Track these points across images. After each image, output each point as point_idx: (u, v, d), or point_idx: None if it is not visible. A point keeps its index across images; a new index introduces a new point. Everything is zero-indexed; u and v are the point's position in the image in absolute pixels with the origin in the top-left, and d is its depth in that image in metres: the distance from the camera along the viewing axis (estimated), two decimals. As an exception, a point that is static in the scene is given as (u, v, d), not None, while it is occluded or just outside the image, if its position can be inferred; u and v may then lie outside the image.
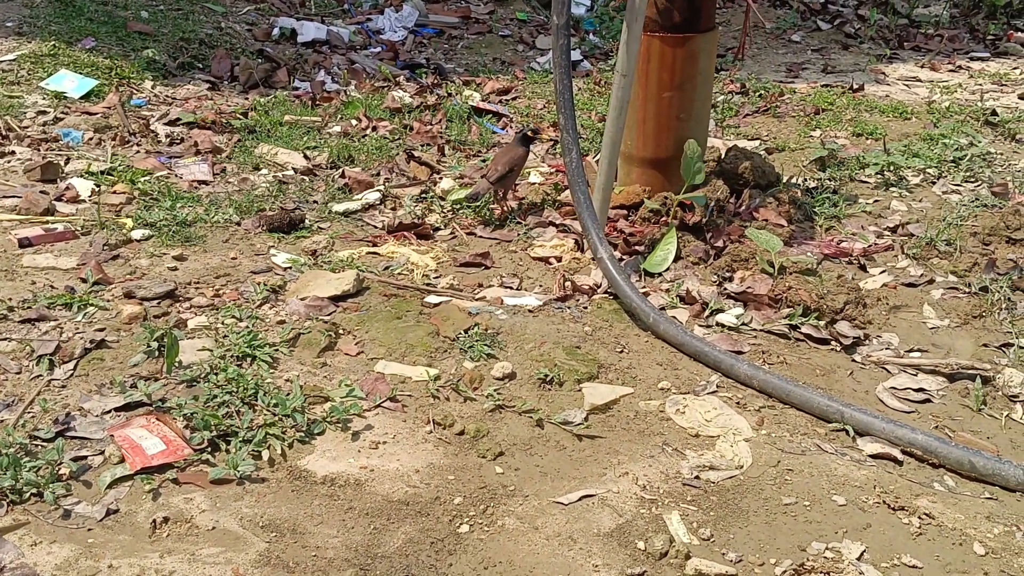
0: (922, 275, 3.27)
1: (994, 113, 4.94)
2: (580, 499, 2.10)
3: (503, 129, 4.74)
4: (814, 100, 5.25)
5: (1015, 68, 6.25)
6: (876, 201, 3.91)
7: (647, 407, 2.46)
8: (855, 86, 5.57)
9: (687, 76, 3.43)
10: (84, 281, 2.89)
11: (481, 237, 3.50)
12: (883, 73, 6.05)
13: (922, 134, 4.65)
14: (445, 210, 3.69)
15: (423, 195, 3.81)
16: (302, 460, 2.17)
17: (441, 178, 3.97)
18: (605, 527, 2.02)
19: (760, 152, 4.30)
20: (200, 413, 2.24)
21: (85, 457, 2.15)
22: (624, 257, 3.32)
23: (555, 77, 3.07)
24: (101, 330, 2.64)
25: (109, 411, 2.31)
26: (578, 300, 3.02)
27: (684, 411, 2.45)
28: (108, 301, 2.81)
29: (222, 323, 2.71)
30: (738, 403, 2.50)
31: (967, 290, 3.16)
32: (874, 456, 2.30)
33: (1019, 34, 7.12)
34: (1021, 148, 4.58)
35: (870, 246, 3.48)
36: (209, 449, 2.18)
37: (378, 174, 4.00)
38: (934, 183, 4.10)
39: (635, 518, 2.05)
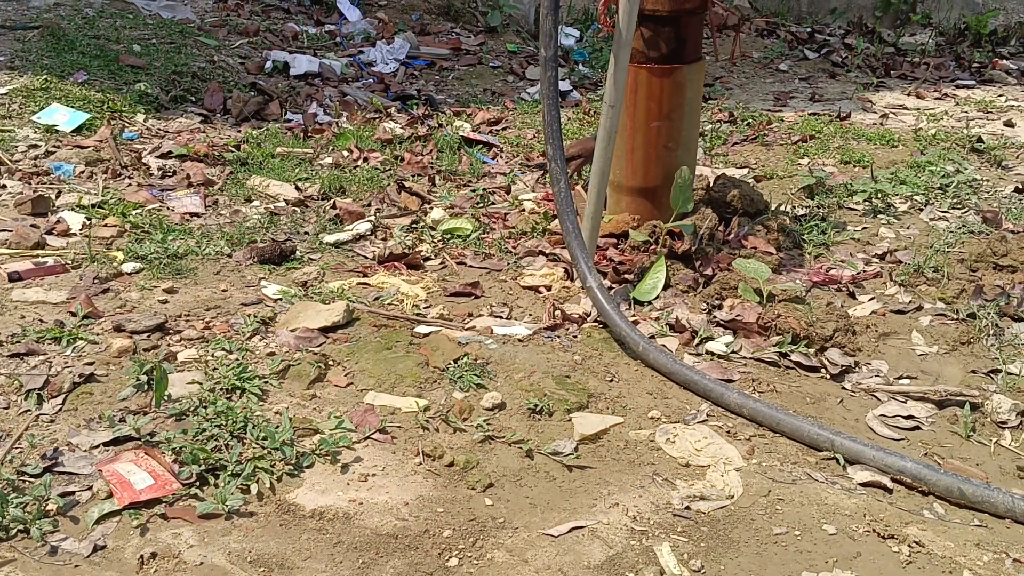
0: (910, 302, 3.28)
1: (980, 140, 4.99)
2: (570, 531, 2.09)
3: (493, 159, 4.77)
4: (802, 128, 5.30)
5: (1000, 95, 6.32)
6: (864, 228, 3.94)
7: (637, 437, 2.46)
8: (842, 114, 5.63)
9: (675, 106, 3.47)
10: (74, 315, 2.88)
11: (471, 267, 3.51)
12: (870, 101, 6.11)
13: (909, 161, 4.69)
14: (436, 240, 3.71)
15: (414, 225, 3.82)
16: (291, 494, 2.17)
17: (432, 208, 3.99)
18: (595, 559, 2.01)
19: (749, 180, 4.33)
20: (189, 447, 2.24)
21: (73, 492, 2.14)
22: (614, 286, 3.33)
23: (543, 108, 3.10)
24: (90, 364, 2.63)
25: (97, 446, 2.30)
26: (568, 329, 3.03)
27: (674, 440, 2.45)
28: (98, 335, 2.80)
29: (212, 356, 2.71)
30: (728, 432, 2.50)
31: (955, 316, 3.17)
32: (864, 484, 2.30)
33: (1004, 62, 7.21)
34: (1007, 174, 4.62)
35: (859, 273, 3.50)
36: (198, 483, 2.17)
37: (369, 205, 4.02)
38: (921, 210, 4.14)
39: (625, 550, 2.04)
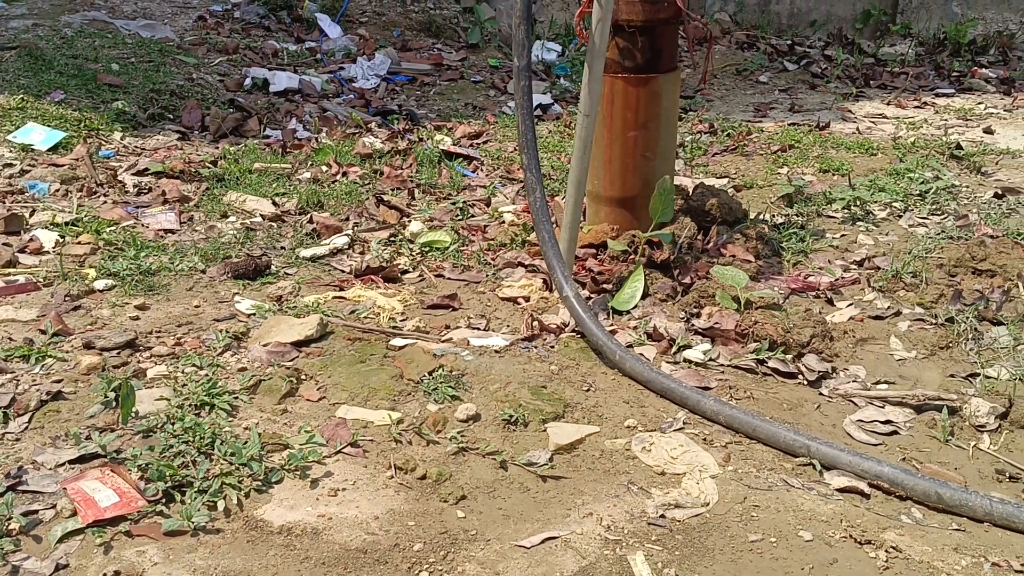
0: (889, 307, 3.27)
1: (959, 147, 5.00)
2: (543, 542, 2.05)
3: (474, 172, 4.76)
4: (781, 138, 5.30)
5: (979, 103, 6.35)
6: (843, 235, 3.93)
7: (613, 446, 2.43)
8: (821, 124, 5.64)
9: (651, 115, 3.46)
10: (43, 332, 2.84)
11: (449, 279, 3.48)
12: (850, 111, 6.13)
13: (888, 169, 4.69)
14: (414, 253, 3.68)
15: (392, 238, 3.80)
16: (259, 510, 2.13)
17: (410, 221, 3.97)
18: (568, 570, 1.98)
19: (728, 190, 4.32)
20: (155, 464, 2.20)
21: (36, 511, 2.09)
22: (593, 296, 3.31)
23: (518, 118, 3.09)
24: (58, 381, 2.59)
25: (63, 464, 2.26)
26: (545, 339, 3.00)
27: (650, 449, 2.42)
28: (67, 352, 2.76)
29: (182, 372, 2.67)
30: (705, 439, 2.48)
31: (933, 321, 3.16)
32: (841, 490, 2.28)
33: (983, 70, 7.26)
34: (986, 180, 4.63)
35: (837, 280, 3.49)
36: (163, 500, 2.13)
37: (347, 219, 4.00)
38: (900, 216, 4.13)
39: (599, 560, 2.01)
